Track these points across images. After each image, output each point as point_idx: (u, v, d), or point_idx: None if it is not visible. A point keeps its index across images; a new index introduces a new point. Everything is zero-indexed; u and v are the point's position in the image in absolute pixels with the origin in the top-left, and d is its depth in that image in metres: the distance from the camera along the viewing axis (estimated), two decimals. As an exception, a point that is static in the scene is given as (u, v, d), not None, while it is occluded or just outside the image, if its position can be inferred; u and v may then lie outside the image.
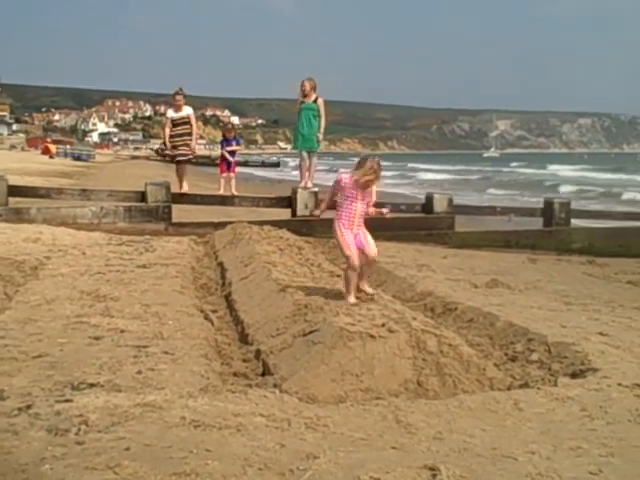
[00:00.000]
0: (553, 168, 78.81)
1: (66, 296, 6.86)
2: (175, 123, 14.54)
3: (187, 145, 14.52)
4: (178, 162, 14.73)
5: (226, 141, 15.62)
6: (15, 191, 13.00)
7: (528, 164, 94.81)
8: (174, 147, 14.49)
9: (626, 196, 36.52)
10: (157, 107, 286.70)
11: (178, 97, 14.54)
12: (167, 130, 14.58)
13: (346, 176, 6.12)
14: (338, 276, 7.57)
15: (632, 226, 15.22)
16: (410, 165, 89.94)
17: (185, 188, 14.28)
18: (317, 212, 6.71)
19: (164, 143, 14.86)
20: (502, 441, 3.65)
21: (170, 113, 14.73)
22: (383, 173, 6.34)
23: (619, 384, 4.61)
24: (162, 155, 15.56)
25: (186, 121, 14.64)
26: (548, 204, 14.70)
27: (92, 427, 3.57)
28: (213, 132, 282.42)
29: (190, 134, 14.60)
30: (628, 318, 7.05)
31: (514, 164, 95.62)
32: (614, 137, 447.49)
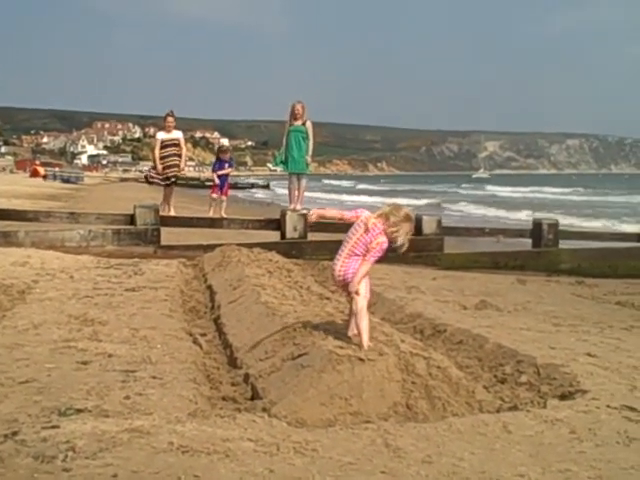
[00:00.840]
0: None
1: (54, 320, 6.82)
2: (165, 145, 14.72)
3: (177, 166, 14.74)
4: (167, 185, 14.84)
5: (219, 162, 15.71)
6: (3, 214, 13.00)
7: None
8: (165, 168, 14.66)
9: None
10: (146, 129, 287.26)
11: (170, 119, 14.77)
12: (157, 152, 14.70)
13: (375, 220, 5.26)
14: (327, 299, 7.58)
15: (620, 247, 15.31)
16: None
17: (172, 212, 14.40)
18: (313, 214, 5.92)
19: (154, 166, 14.97)
20: (491, 464, 3.64)
21: (161, 135, 14.89)
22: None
23: (608, 406, 4.62)
24: (149, 182, 15.61)
25: (176, 143, 14.85)
26: (537, 225, 14.77)
27: (79, 453, 3.55)
28: (202, 154, 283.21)
29: (179, 156, 14.79)
30: (617, 339, 7.06)
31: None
32: (602, 158, 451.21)
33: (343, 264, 5.27)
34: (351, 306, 5.32)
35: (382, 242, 5.24)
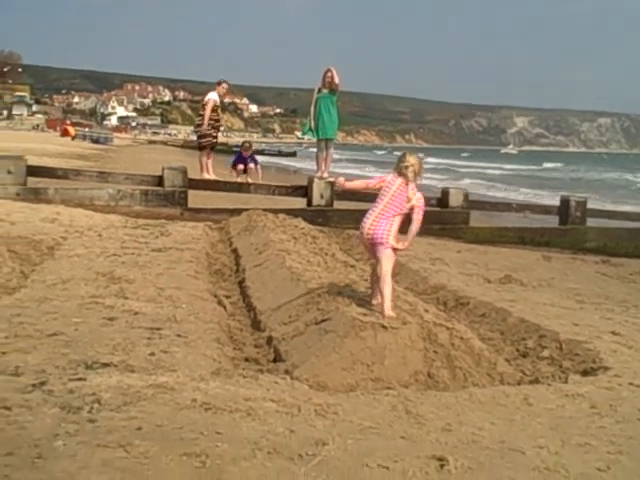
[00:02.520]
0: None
1: (82, 276, 6.91)
2: (214, 108, 14.98)
3: (217, 130, 15.09)
4: (213, 147, 15.13)
5: (241, 159, 15.68)
6: (34, 171, 13.08)
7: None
8: (213, 129, 14.95)
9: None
10: (176, 92, 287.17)
11: (226, 85, 15.16)
12: (209, 112, 14.87)
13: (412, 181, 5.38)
14: (352, 266, 7.60)
15: (648, 227, 15.15)
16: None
17: (213, 175, 14.67)
18: (341, 180, 6.00)
19: (201, 123, 15.10)
20: (510, 435, 3.66)
21: (215, 95, 15.03)
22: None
23: (630, 383, 4.62)
24: (203, 147, 15.33)
25: (216, 108, 15.12)
26: (564, 202, 14.64)
27: (104, 406, 3.61)
28: (231, 119, 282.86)
29: (219, 121, 15.26)
30: (641, 319, 7.03)
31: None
32: (633, 138, 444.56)
33: (373, 223, 5.32)
34: (375, 271, 5.38)
35: (421, 197, 5.38)
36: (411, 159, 5.39)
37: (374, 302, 5.37)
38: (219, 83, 15.43)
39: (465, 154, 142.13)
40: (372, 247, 5.37)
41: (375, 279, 5.42)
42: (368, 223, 5.36)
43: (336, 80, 13.52)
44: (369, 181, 5.66)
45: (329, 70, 13.63)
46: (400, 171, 5.35)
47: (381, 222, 5.30)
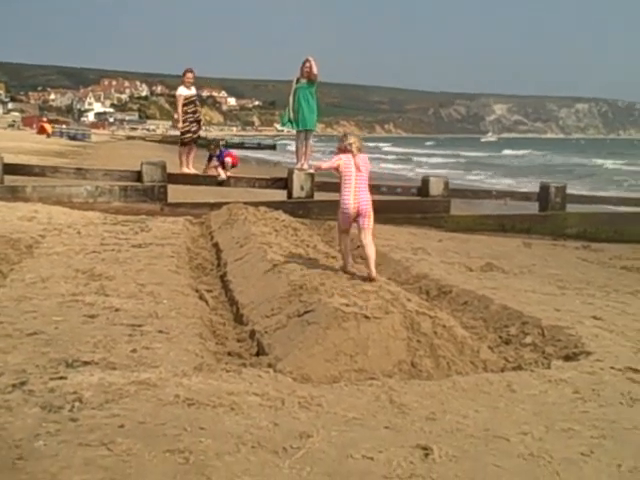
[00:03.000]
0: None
1: (61, 274, 6.85)
2: (188, 101, 14.55)
3: (198, 123, 14.66)
4: (195, 141, 14.80)
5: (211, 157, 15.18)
6: (11, 169, 12.94)
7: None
8: (190, 123, 14.58)
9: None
10: (153, 87, 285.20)
11: (190, 75, 14.69)
12: (180, 108, 14.51)
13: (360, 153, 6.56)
14: (333, 257, 7.59)
15: (627, 212, 15.26)
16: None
17: (193, 170, 14.41)
18: (317, 164, 7.35)
19: (177, 120, 14.84)
20: (495, 422, 3.67)
21: (183, 90, 14.62)
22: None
23: (612, 367, 4.64)
24: (185, 144, 15.06)
25: (193, 100, 14.70)
26: (544, 188, 14.69)
27: (86, 404, 3.59)
28: (210, 113, 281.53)
29: (199, 112, 14.81)
30: (622, 303, 7.07)
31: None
32: (611, 123, 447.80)
33: (356, 197, 6.38)
34: (348, 241, 6.67)
35: (366, 157, 6.68)
36: (351, 138, 6.57)
37: (350, 269, 6.46)
38: (184, 74, 14.89)
39: (430, 142, 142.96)
40: (357, 218, 6.42)
41: (350, 249, 6.70)
42: (351, 198, 6.36)
43: (314, 70, 13.43)
44: (331, 162, 6.66)
45: (307, 60, 13.53)
46: (346, 149, 6.45)
47: (362, 194, 6.39)
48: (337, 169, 6.48)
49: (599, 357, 4.87)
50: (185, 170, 14.50)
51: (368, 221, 6.45)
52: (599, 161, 59.08)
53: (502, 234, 13.51)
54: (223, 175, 13.72)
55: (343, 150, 6.47)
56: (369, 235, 6.45)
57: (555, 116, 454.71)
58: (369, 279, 6.14)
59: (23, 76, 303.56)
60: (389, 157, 63.87)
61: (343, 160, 6.42)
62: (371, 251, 6.35)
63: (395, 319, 4.75)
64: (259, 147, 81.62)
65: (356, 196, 6.33)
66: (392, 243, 10.44)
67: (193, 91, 14.85)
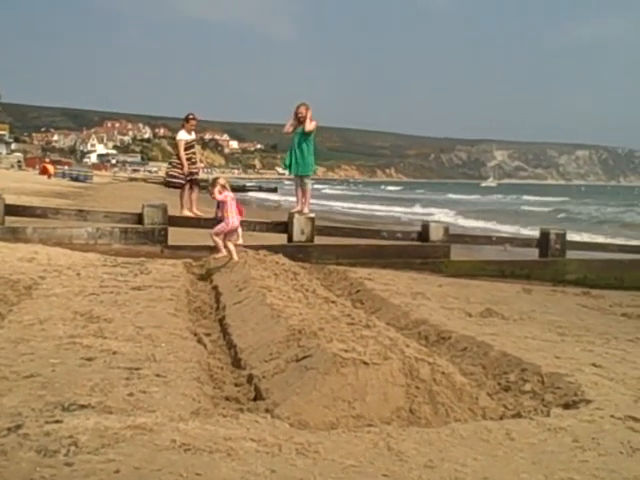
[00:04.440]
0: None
1: (59, 316, 6.84)
2: (188, 146, 14.92)
3: (194, 164, 15.04)
4: (194, 182, 15.05)
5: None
6: (12, 210, 12.99)
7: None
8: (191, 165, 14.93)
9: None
10: (156, 130, 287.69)
11: (193, 121, 15.00)
12: (182, 152, 14.83)
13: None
14: (333, 302, 7.60)
15: (627, 259, 15.27)
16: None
17: (199, 213, 14.54)
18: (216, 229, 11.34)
19: (173, 167, 15.10)
20: (493, 471, 3.63)
21: (184, 135, 14.95)
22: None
23: (612, 416, 4.60)
24: (169, 185, 15.51)
25: (192, 144, 15.07)
26: (544, 235, 14.73)
27: (82, 449, 3.55)
28: (212, 156, 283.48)
29: (195, 155, 15.17)
30: (622, 350, 7.04)
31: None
32: (611, 170, 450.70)
33: (236, 219, 11.08)
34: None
35: None
36: (222, 180, 11.53)
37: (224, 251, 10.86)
38: (187, 120, 15.28)
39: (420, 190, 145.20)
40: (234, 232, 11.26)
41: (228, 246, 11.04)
42: (237, 220, 11.17)
43: (307, 125, 13.58)
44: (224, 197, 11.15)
45: (300, 108, 13.68)
46: (224, 187, 11.35)
47: (237, 216, 11.33)
48: (225, 202, 11.04)
49: (599, 405, 4.83)
50: (185, 213, 14.61)
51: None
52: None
53: (502, 280, 13.49)
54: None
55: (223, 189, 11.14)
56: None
57: (555, 162, 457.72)
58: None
59: (27, 117, 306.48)
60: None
61: (229, 196, 11.08)
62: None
63: (394, 365, 4.72)
64: (260, 190, 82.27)
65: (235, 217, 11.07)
66: (392, 288, 10.45)
67: (193, 136, 15.18)
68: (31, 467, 3.30)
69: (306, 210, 13.74)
